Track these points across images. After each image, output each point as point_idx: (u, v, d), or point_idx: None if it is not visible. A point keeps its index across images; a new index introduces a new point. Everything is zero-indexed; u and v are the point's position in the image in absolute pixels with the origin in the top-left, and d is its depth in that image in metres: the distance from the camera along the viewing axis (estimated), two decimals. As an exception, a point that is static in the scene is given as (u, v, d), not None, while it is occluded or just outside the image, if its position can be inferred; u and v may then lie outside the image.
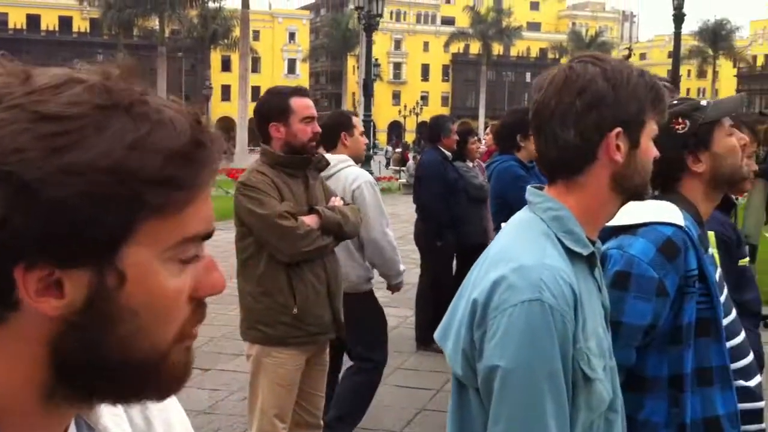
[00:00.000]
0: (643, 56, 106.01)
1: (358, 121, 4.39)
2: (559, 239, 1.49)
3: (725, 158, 2.03)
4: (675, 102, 2.09)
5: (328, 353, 3.65)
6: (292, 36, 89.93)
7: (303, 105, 3.36)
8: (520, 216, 1.58)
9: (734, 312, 2.10)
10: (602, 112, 1.49)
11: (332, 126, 4.28)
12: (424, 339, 6.38)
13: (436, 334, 1.59)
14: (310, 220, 3.29)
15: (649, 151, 1.56)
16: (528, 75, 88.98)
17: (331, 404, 4.18)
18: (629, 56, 59.60)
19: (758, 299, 2.68)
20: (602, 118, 1.49)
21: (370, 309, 4.37)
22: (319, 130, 3.43)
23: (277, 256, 3.27)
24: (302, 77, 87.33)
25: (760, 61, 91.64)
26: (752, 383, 2.10)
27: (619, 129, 1.50)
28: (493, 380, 1.40)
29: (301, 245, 3.22)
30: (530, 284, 1.40)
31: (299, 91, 3.45)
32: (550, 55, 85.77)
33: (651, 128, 1.55)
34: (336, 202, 3.50)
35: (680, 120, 2.02)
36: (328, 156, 4.16)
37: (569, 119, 1.49)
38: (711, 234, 2.39)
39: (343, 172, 4.12)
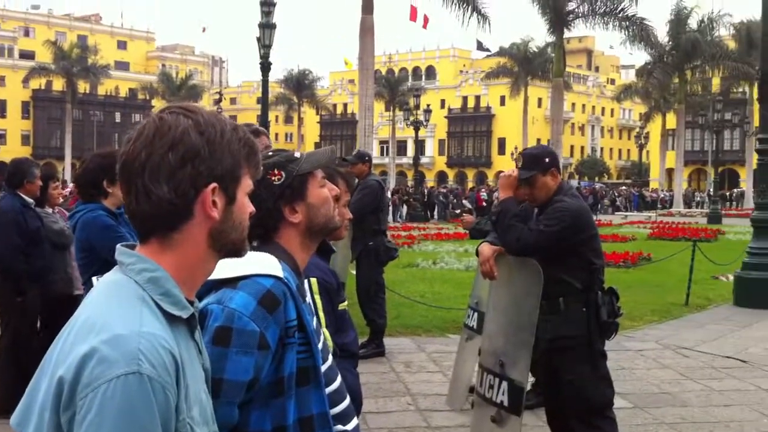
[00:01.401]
0: (233, 101, 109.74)
1: None
2: (156, 303, 1.37)
3: (319, 208, 2.09)
4: (271, 154, 2.11)
5: None
6: None
7: None
8: (111, 278, 1.43)
9: (331, 358, 2.15)
10: (197, 167, 1.41)
11: None
12: (7, 409, 5.62)
13: (13, 420, 1.36)
14: None
15: (245, 206, 1.52)
16: (118, 115, 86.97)
17: None
18: (220, 100, 61.20)
19: (356, 340, 2.81)
20: (197, 173, 1.42)
21: None
22: None
23: None
24: None
25: (339, 109, 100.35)
26: (350, 427, 2.15)
27: (214, 184, 1.44)
28: None
29: None
30: (126, 356, 1.25)
31: None
32: (140, 96, 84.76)
33: (246, 183, 1.51)
34: None
35: (276, 171, 2.04)
36: None
37: (162, 174, 1.39)
38: (314, 280, 2.45)
39: None
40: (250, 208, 1.53)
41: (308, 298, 2.09)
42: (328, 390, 2.02)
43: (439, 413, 6.03)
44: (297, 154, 2.11)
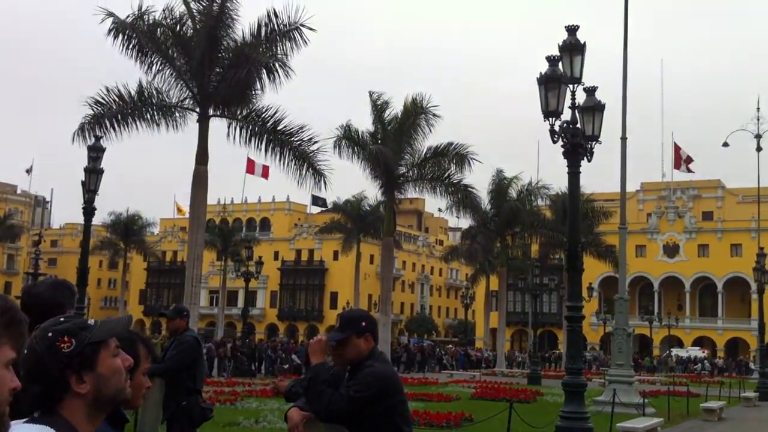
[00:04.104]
0: (54, 243, 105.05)
1: None
2: None
3: (109, 379, 1.98)
4: (62, 319, 2.01)
5: None
6: None
7: None
8: None
9: None
10: None
11: None
12: None
13: None
14: None
15: (4, 378, 1.44)
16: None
17: None
18: (39, 242, 58.52)
19: None
20: None
21: None
22: None
23: None
24: None
25: (169, 257, 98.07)
26: None
27: None
28: None
29: None
30: None
31: None
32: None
33: (6, 354, 1.43)
34: None
35: (66, 338, 1.93)
36: None
37: None
38: None
39: None
40: (13, 383, 1.44)
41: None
42: None
43: None
44: (91, 322, 2.03)
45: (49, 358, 1.89)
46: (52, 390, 1.90)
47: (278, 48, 23.57)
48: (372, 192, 63.91)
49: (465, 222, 64.85)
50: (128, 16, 22.87)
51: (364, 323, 4.18)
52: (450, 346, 67.28)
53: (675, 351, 71.68)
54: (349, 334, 4.10)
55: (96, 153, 18.78)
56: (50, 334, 1.92)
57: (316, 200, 79.28)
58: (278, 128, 24.42)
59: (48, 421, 1.86)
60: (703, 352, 72.95)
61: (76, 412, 1.94)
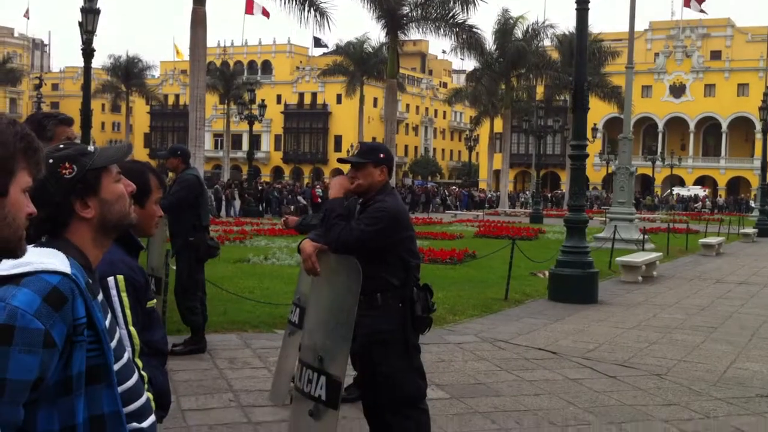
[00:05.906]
0: (55, 86, 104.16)
1: None
2: None
3: (113, 204, 2.02)
4: (62, 146, 2.02)
5: None
6: None
7: None
8: None
9: (126, 356, 2.09)
10: None
11: None
12: None
13: None
14: None
15: (20, 203, 1.46)
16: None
17: None
18: (40, 85, 57.95)
19: (164, 338, 2.75)
20: None
21: None
22: None
23: None
24: None
25: (171, 100, 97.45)
26: (146, 424, 2.11)
27: None
28: None
29: None
30: None
31: None
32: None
33: (23, 179, 1.45)
34: None
35: (67, 165, 1.95)
36: None
37: None
38: (120, 278, 2.39)
39: None
40: (29, 208, 1.47)
41: (101, 296, 2.02)
42: (122, 388, 1.97)
43: (261, 409, 5.98)
44: (90, 148, 2.04)
45: (52, 183, 1.91)
46: (57, 215, 1.94)
47: None
48: (374, 34, 62.39)
49: (469, 64, 63.76)
50: None
51: (382, 155, 4.32)
52: (454, 187, 67.93)
53: (676, 190, 72.43)
54: (366, 161, 4.24)
55: (91, -9, 18.23)
56: (51, 161, 1.94)
57: (318, 42, 77.76)
58: (277, -36, 23.59)
59: (56, 245, 1.90)
60: (705, 190, 73.74)
61: (82, 237, 1.98)
